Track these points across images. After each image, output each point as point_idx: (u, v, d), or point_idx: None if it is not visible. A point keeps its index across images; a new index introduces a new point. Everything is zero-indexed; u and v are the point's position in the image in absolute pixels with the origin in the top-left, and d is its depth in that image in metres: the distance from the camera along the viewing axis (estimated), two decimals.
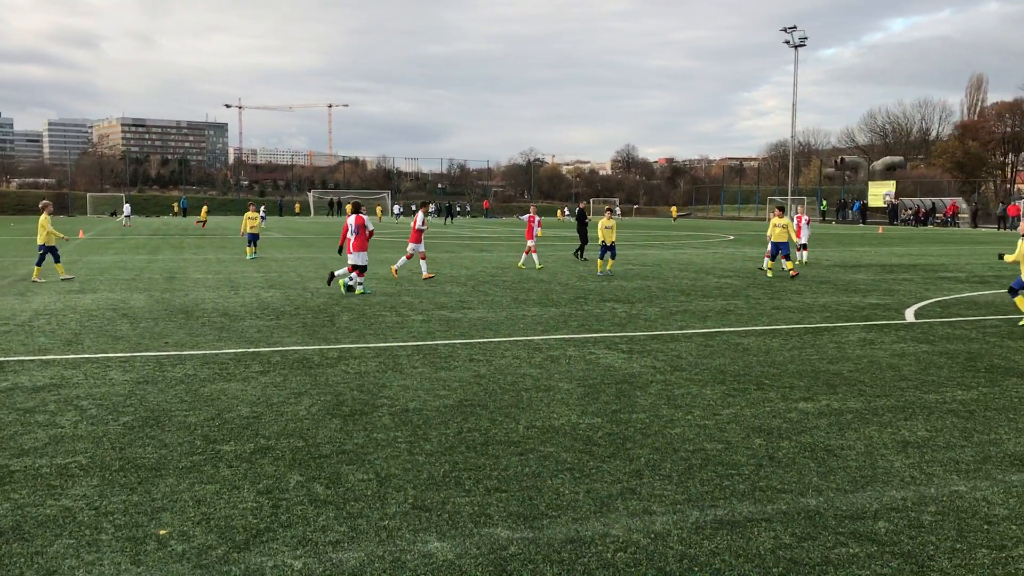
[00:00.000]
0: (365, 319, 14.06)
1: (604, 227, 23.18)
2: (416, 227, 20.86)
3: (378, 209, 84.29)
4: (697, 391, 9.02)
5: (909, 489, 6.05)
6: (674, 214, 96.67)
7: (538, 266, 25.20)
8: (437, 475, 6.26)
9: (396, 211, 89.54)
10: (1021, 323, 13.84)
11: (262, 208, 71.31)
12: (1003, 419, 7.96)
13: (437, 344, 11.75)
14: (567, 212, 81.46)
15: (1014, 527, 5.36)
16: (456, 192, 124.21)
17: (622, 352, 11.22)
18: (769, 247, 23.22)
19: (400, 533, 5.19)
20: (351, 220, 18.29)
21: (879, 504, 5.74)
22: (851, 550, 4.99)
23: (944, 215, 72.41)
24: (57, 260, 20.86)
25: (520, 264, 25.92)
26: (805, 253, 27.29)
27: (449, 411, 8.09)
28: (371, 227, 18.43)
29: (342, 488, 5.97)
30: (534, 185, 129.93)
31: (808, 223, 28.04)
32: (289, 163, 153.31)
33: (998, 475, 6.37)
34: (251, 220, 29.09)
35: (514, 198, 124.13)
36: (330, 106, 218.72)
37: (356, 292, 17.68)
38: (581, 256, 28.50)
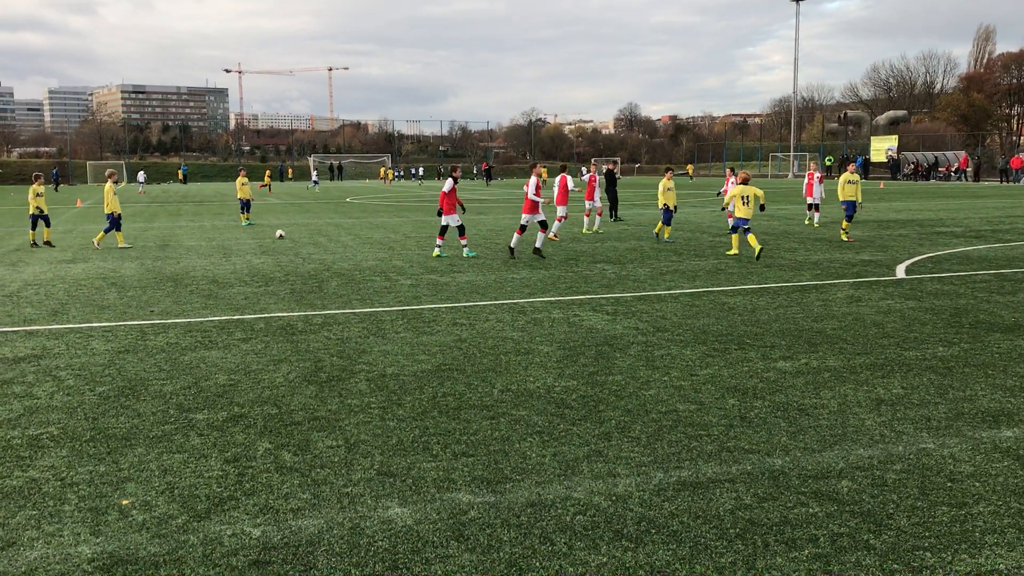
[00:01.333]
0: (354, 284, 14.05)
1: (665, 189, 21.15)
2: (528, 196, 18.03)
3: (389, 172, 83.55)
4: (677, 352, 9.01)
5: (877, 447, 6.05)
6: (690, 172, 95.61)
7: (596, 229, 24.15)
8: (406, 441, 6.27)
9: (403, 173, 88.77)
10: None
11: (315, 172, 70.74)
12: (981, 375, 7.94)
13: (422, 308, 11.74)
14: (584, 172, 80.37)
15: (977, 484, 5.36)
16: (458, 154, 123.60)
17: (607, 314, 11.20)
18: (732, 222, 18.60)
19: (362, 500, 5.21)
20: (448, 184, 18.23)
21: (845, 463, 5.74)
22: (811, 510, 4.99)
23: (946, 170, 71.88)
24: (119, 228, 21.27)
25: (585, 230, 24.29)
26: (817, 215, 25.75)
27: (426, 376, 8.10)
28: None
29: (310, 455, 5.99)
30: (535, 145, 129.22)
31: (821, 180, 26.26)
32: (290, 128, 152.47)
33: (968, 432, 6.36)
34: (243, 186, 28.98)
35: (516, 159, 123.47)
36: (330, 69, 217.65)
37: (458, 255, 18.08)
38: (614, 217, 28.12)
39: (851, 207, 21.13)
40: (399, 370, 8.33)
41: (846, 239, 20.35)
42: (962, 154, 73.93)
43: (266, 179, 62.12)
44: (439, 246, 18.27)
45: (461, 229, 18.17)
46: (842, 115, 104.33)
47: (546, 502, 5.14)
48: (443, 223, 18.27)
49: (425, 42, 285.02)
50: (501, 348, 9.24)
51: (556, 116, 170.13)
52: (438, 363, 8.59)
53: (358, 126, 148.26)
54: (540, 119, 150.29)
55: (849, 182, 21.39)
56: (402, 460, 5.87)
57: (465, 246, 18.27)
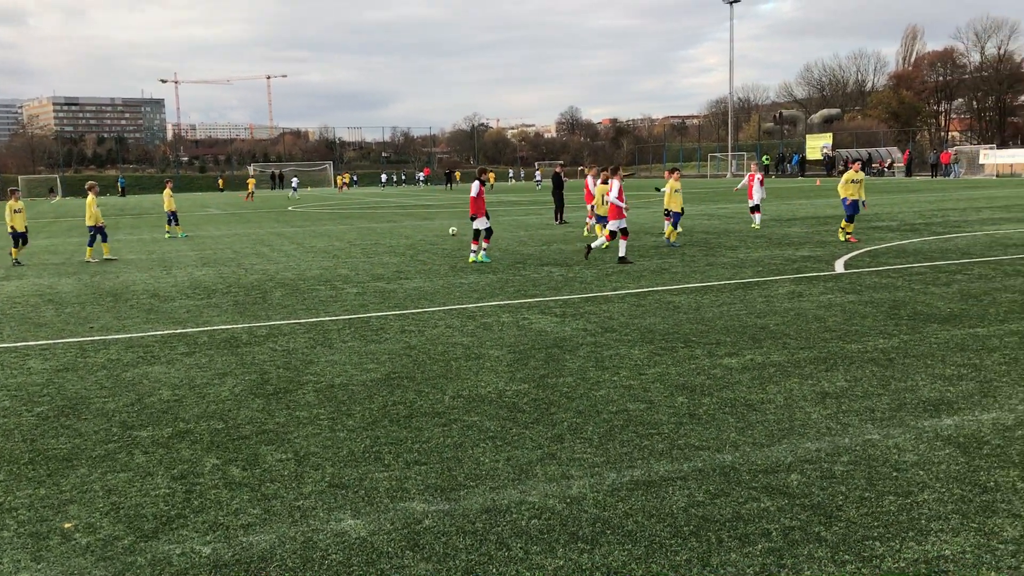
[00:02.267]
0: (298, 294, 13.88)
1: (672, 191, 20.10)
2: (612, 201, 17.24)
3: (343, 178, 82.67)
4: (625, 352, 9.06)
5: (824, 440, 6.15)
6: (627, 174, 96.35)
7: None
8: (357, 451, 6.20)
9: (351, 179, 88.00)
10: None
11: (295, 180, 71.22)
12: (921, 365, 8.13)
13: (370, 317, 11.64)
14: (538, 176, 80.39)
15: (921, 472, 5.48)
16: (401, 160, 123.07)
17: (555, 316, 11.23)
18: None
19: (314, 512, 5.13)
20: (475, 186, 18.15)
21: (793, 457, 5.83)
22: (762, 504, 5.06)
23: (879, 165, 73.58)
24: (104, 240, 21.08)
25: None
26: (758, 216, 24.37)
27: (376, 385, 8.03)
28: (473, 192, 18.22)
29: (259, 469, 5.89)
30: (479, 150, 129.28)
31: (762, 183, 24.84)
32: (229, 137, 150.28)
33: (911, 422, 6.50)
34: (169, 198, 28.36)
35: (459, 164, 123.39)
36: (268, 77, 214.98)
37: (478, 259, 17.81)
38: (560, 220, 28.17)
39: (854, 206, 19.51)
40: (347, 380, 8.24)
41: (843, 239, 19.38)
42: (895, 150, 75.76)
43: (250, 187, 63.10)
44: (474, 251, 18.03)
45: (488, 232, 18.04)
46: (778, 114, 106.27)
47: (501, 507, 5.12)
48: (475, 227, 18.05)
49: (365, 48, 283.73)
50: (451, 354, 9.20)
51: (499, 120, 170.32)
52: (387, 371, 8.53)
53: (299, 134, 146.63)
54: (483, 124, 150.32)
55: (853, 180, 19.72)
56: (353, 471, 5.81)
57: (485, 250, 18.03)
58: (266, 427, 6.83)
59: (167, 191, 28.81)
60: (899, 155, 74.41)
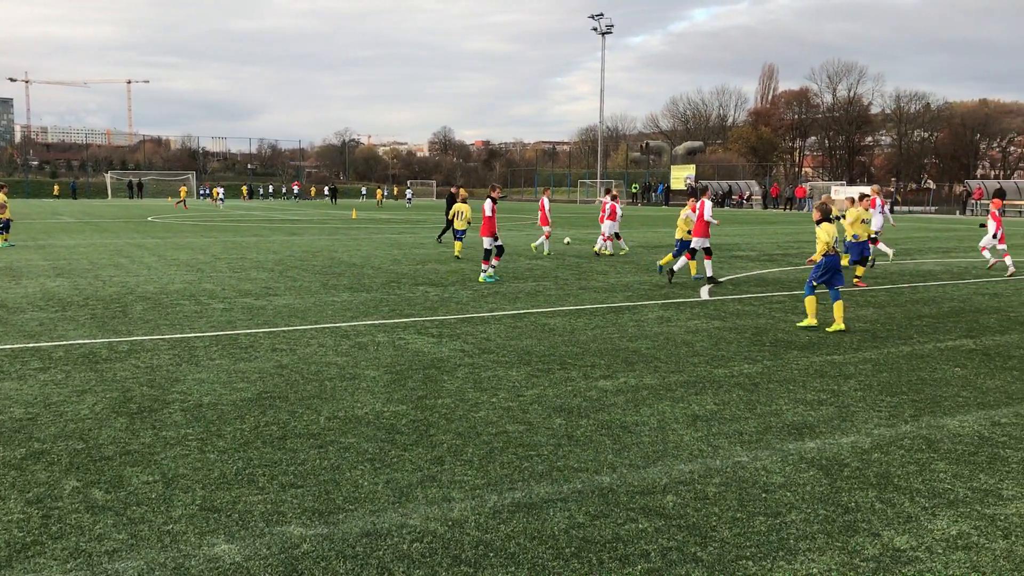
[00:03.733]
0: (161, 309, 13.31)
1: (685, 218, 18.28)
2: (704, 219, 17.35)
3: (215, 191, 79.98)
4: (503, 373, 9.10)
5: (696, 462, 6.33)
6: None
7: (546, 252, 24.23)
8: (229, 473, 5.98)
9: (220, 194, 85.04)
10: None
11: (220, 191, 70.09)
12: (784, 390, 8.50)
13: (238, 334, 11.28)
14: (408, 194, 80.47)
15: (788, 494, 5.72)
16: (267, 173, 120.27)
17: (432, 336, 11.17)
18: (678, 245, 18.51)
19: (185, 537, 4.91)
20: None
21: (668, 478, 5.98)
22: (640, 525, 5.16)
23: (738, 198, 76.96)
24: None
25: (535, 246, 25.02)
26: (620, 242, 24.80)
27: (247, 404, 7.77)
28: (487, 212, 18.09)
29: (124, 492, 5.59)
30: (349, 166, 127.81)
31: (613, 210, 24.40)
32: (85, 142, 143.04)
33: (777, 444, 6.78)
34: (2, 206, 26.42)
35: (328, 179, 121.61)
36: (129, 82, 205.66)
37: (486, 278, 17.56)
38: (440, 239, 28.45)
39: (864, 247, 17.58)
40: (216, 399, 7.95)
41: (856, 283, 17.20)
42: (753, 183, 79.40)
43: (182, 195, 64.41)
44: (484, 271, 17.71)
45: (500, 250, 17.84)
46: (644, 144, 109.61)
47: (381, 531, 5.03)
48: (486, 246, 17.81)
49: (235, 57, 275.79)
50: (325, 374, 9.01)
51: (371, 137, 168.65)
52: (259, 391, 8.27)
53: (160, 142, 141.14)
54: (354, 139, 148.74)
55: (863, 221, 17.78)
56: (226, 494, 5.59)
57: (493, 267, 17.80)
58: (130, 447, 6.49)
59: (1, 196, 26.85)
60: (757, 188, 78.03)
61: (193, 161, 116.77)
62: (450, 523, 5.16)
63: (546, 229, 24.24)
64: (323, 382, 8.63)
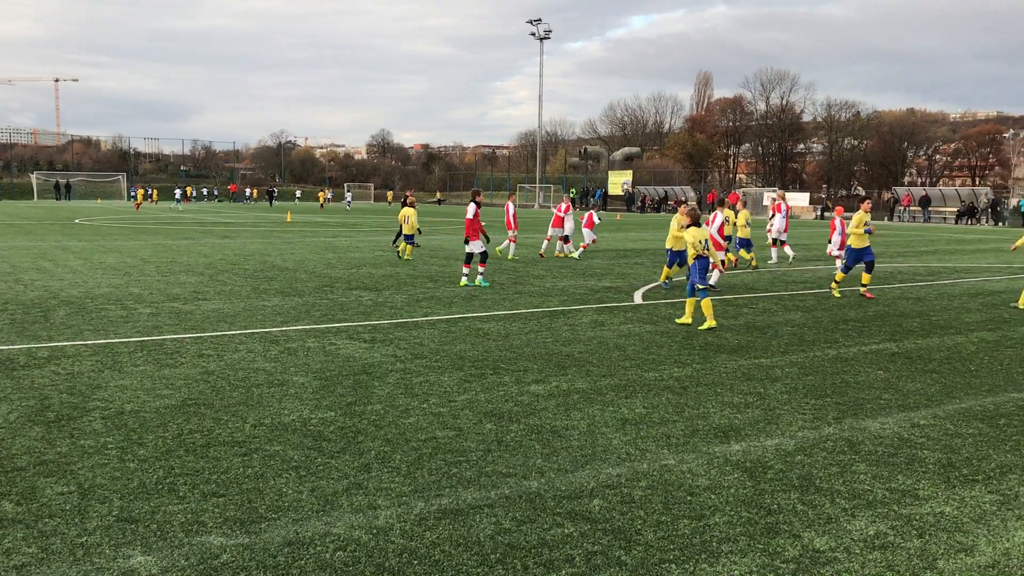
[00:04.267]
0: (85, 314, 12.95)
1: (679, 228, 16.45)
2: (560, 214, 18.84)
3: (139, 192, 78.52)
4: (435, 378, 9.05)
5: (624, 465, 6.37)
6: (440, 196, 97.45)
7: (510, 256, 24.48)
8: (149, 482, 5.83)
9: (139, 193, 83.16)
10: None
11: (178, 192, 73.86)
12: (712, 394, 8.61)
13: (164, 339, 11.03)
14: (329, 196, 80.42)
15: (713, 496, 5.78)
16: (201, 175, 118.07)
17: (364, 342, 11.07)
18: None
19: (99, 549, 4.77)
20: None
21: (596, 482, 6.00)
22: (566, 530, 5.16)
23: (674, 203, 77.94)
24: None
25: (508, 254, 24.73)
26: (568, 246, 25.09)
27: (170, 412, 7.59)
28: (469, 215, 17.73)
29: (36, 504, 5.40)
30: (285, 168, 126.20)
31: (568, 211, 25.19)
32: (10, 142, 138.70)
33: (703, 447, 6.86)
34: None
35: (264, 181, 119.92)
36: (56, 80, 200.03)
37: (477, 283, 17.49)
38: (395, 242, 27.95)
39: (859, 256, 16.41)
40: (139, 406, 7.75)
41: (838, 294, 16.67)
42: (689, 189, 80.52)
43: (139, 198, 67.66)
44: (465, 275, 17.55)
45: (484, 256, 17.58)
46: (583, 150, 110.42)
47: (304, 540, 4.95)
48: (467, 250, 17.56)
49: (169, 56, 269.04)
50: (253, 380, 8.85)
51: (307, 139, 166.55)
52: (183, 397, 8.09)
53: (89, 142, 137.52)
54: (290, 141, 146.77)
55: (864, 229, 16.28)
56: (145, 504, 5.45)
57: (481, 274, 17.64)
58: (45, 457, 6.29)
59: None
60: (692, 194, 79.11)
61: (124, 162, 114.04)
62: (375, 531, 5.10)
63: (511, 234, 24.61)
64: (250, 389, 8.48)
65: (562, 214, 25.33)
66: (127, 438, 6.80)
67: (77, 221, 43.44)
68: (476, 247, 17.63)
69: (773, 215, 24.34)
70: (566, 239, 25.38)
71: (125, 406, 7.74)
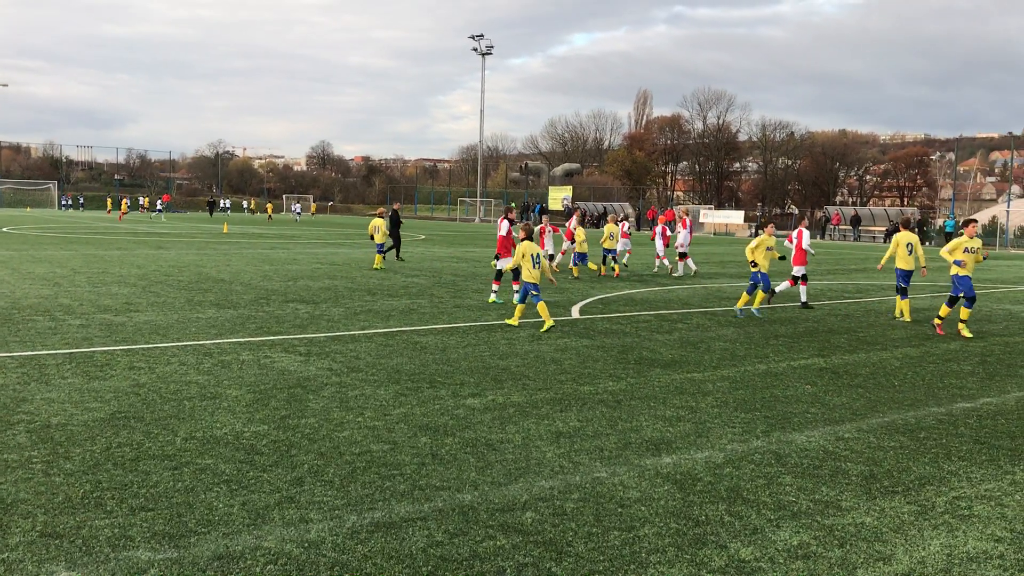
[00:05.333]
0: (11, 325, 12.62)
1: (765, 248, 16.33)
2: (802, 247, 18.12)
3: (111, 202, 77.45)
4: (371, 392, 9.03)
5: (557, 478, 6.44)
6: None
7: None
8: (75, 497, 5.72)
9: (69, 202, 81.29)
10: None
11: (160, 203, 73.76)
12: (645, 407, 8.74)
13: (94, 351, 10.81)
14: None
15: (643, 508, 5.89)
16: (136, 184, 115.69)
17: (299, 355, 10.99)
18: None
19: (21, 566, 4.67)
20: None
21: (529, 495, 6.06)
22: (498, 542, 5.21)
23: (614, 220, 78.70)
24: None
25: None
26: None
27: (98, 425, 7.45)
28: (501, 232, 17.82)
29: None
30: (223, 178, 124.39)
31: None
32: None
33: (635, 460, 6.97)
34: None
35: (200, 191, 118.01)
36: None
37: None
38: (398, 256, 28.39)
39: (907, 279, 16.31)
40: (66, 419, 7.59)
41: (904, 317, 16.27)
42: (627, 205, 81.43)
43: (124, 207, 68.39)
44: (495, 292, 17.41)
45: (516, 273, 17.02)
46: (523, 165, 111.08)
47: (234, 554, 4.92)
48: (498, 267, 17.33)
49: (104, 63, 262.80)
50: (184, 393, 8.73)
51: (246, 149, 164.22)
52: (112, 411, 7.94)
53: (19, 149, 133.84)
54: (228, 152, 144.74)
55: (908, 247, 16.23)
56: (70, 519, 5.34)
57: (495, 292, 17.48)
58: None
59: None
60: (631, 210, 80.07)
61: (55, 170, 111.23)
62: (306, 544, 5.09)
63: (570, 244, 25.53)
64: (182, 402, 8.37)
65: (573, 228, 25.79)
66: (53, 452, 6.66)
67: (5, 230, 42.24)
68: (506, 263, 17.33)
69: (678, 231, 26.12)
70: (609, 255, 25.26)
71: (52, 419, 7.58)
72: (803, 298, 17.99)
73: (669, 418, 8.33)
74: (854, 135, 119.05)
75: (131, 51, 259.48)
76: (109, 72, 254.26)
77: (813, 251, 19.00)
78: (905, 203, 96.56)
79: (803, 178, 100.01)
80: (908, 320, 16.10)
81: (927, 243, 59.98)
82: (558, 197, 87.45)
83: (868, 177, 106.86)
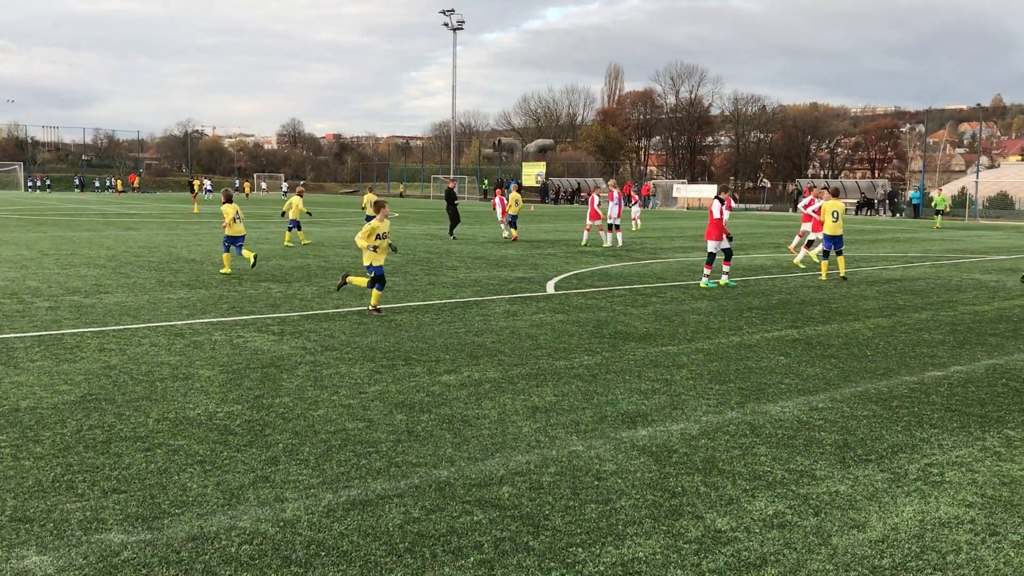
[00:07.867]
0: None
1: (831, 211, 18.40)
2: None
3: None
4: (346, 370, 8.98)
5: (534, 453, 6.44)
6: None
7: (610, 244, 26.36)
8: (46, 480, 5.64)
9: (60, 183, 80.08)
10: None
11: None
12: (620, 381, 8.76)
13: (64, 334, 10.66)
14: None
15: (619, 481, 5.90)
16: (103, 164, 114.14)
17: (273, 334, 10.90)
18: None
19: None
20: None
21: (505, 470, 6.06)
22: (475, 517, 5.20)
23: (587, 194, 78.84)
24: None
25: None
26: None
27: (69, 408, 7.36)
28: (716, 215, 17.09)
29: None
30: (193, 158, 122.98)
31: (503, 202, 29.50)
32: None
33: (611, 433, 6.99)
34: None
35: (170, 171, 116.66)
36: None
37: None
38: (451, 235, 28.93)
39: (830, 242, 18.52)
40: (36, 403, 7.49)
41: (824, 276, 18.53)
42: (601, 180, 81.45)
43: (119, 187, 70.92)
44: (707, 275, 17.07)
45: (728, 253, 17.24)
46: (497, 141, 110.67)
47: (209, 534, 4.87)
48: (710, 250, 17.03)
49: (70, 41, 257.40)
50: (156, 374, 8.64)
51: (215, 128, 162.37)
52: (83, 393, 7.84)
53: None
54: (197, 130, 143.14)
55: (834, 215, 18.45)
56: (41, 502, 5.27)
57: (709, 274, 17.21)
58: None
59: None
60: (604, 185, 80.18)
61: (20, 152, 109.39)
62: (282, 523, 5.05)
63: (598, 223, 26.64)
64: (154, 383, 8.28)
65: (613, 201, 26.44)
66: (22, 435, 6.57)
67: None
68: (715, 246, 16.96)
69: (608, 202, 26.79)
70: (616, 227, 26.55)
71: (20, 403, 7.47)
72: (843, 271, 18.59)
73: (644, 391, 8.35)
74: (825, 108, 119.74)
75: (98, 28, 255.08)
76: (75, 50, 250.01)
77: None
78: (876, 175, 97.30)
79: (775, 151, 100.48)
80: (824, 279, 18.21)
81: (896, 215, 60.54)
82: (532, 173, 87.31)
83: (839, 150, 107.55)
